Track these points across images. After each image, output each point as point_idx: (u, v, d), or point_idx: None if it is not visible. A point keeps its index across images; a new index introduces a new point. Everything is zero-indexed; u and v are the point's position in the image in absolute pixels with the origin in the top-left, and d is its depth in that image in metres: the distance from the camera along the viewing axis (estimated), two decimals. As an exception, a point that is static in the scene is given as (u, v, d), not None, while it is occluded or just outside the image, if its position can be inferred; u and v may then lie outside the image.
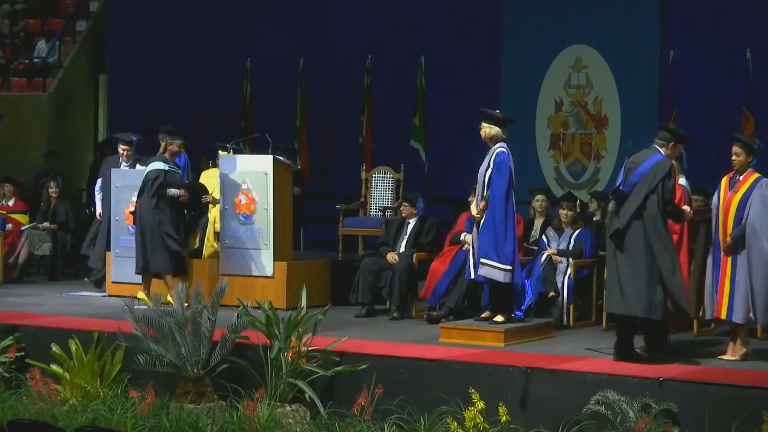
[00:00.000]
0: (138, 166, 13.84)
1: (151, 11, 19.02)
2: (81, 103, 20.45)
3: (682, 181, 10.17)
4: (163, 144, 12.87)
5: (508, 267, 10.69)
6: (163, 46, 18.81)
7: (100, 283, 14.14)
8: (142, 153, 15.28)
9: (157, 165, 12.71)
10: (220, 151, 13.76)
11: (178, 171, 12.96)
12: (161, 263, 12.54)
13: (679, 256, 10.13)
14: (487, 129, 10.87)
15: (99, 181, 14.58)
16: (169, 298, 10.91)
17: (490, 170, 10.77)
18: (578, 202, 12.84)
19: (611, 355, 9.97)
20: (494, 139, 10.85)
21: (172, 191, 12.63)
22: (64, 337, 10.83)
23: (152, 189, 12.59)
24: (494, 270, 10.71)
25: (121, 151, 14.20)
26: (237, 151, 13.58)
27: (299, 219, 14.12)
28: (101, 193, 14.42)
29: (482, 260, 10.76)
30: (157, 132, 14.17)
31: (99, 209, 14.48)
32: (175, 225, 12.67)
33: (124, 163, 14.17)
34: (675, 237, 10.06)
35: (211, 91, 18.19)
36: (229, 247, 13.04)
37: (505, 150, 10.78)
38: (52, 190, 15.71)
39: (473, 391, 9.05)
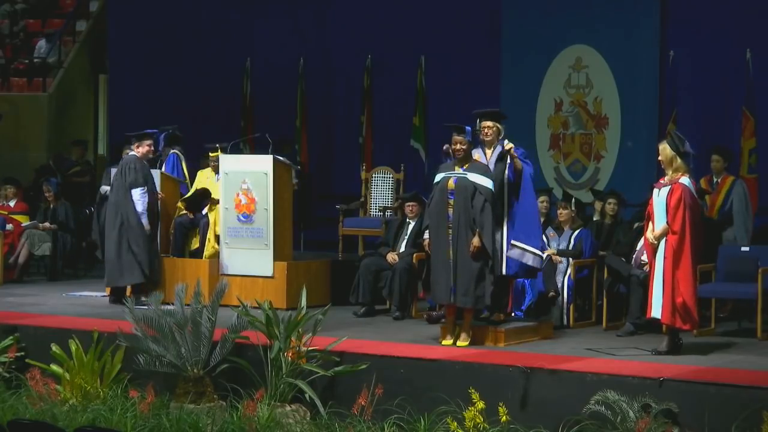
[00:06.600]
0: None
1: (151, 11, 18.99)
2: (81, 103, 20.44)
3: (685, 180, 10.12)
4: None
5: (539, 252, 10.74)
6: (163, 46, 18.78)
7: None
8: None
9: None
10: (211, 153, 13.63)
11: (463, 174, 10.72)
12: None
13: (683, 258, 10.09)
14: (499, 125, 10.86)
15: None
16: None
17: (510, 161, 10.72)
18: (573, 200, 12.80)
19: (611, 355, 9.98)
20: (500, 134, 10.86)
21: None
22: (64, 337, 10.84)
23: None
24: (525, 253, 10.69)
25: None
26: (230, 151, 13.42)
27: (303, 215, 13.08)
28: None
29: (513, 242, 10.68)
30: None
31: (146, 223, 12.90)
32: None
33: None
34: (676, 237, 10.04)
35: (211, 91, 18.17)
36: (229, 247, 13.04)
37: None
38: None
39: (473, 391, 9.06)
